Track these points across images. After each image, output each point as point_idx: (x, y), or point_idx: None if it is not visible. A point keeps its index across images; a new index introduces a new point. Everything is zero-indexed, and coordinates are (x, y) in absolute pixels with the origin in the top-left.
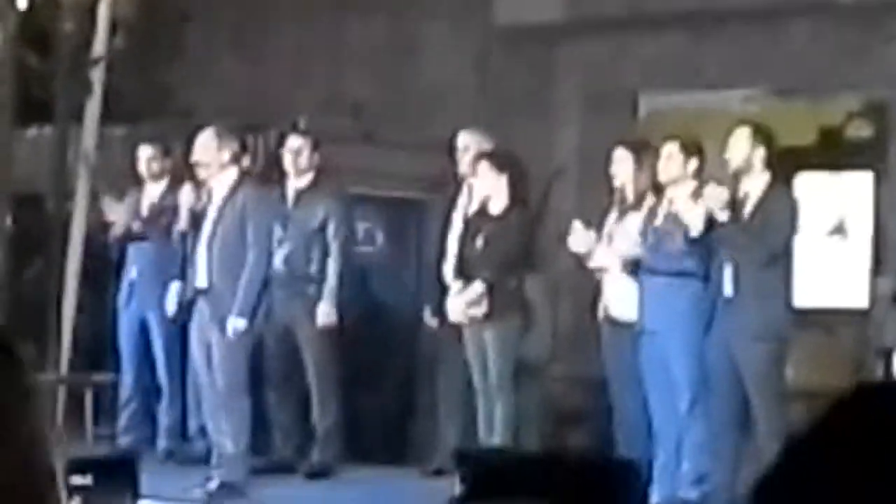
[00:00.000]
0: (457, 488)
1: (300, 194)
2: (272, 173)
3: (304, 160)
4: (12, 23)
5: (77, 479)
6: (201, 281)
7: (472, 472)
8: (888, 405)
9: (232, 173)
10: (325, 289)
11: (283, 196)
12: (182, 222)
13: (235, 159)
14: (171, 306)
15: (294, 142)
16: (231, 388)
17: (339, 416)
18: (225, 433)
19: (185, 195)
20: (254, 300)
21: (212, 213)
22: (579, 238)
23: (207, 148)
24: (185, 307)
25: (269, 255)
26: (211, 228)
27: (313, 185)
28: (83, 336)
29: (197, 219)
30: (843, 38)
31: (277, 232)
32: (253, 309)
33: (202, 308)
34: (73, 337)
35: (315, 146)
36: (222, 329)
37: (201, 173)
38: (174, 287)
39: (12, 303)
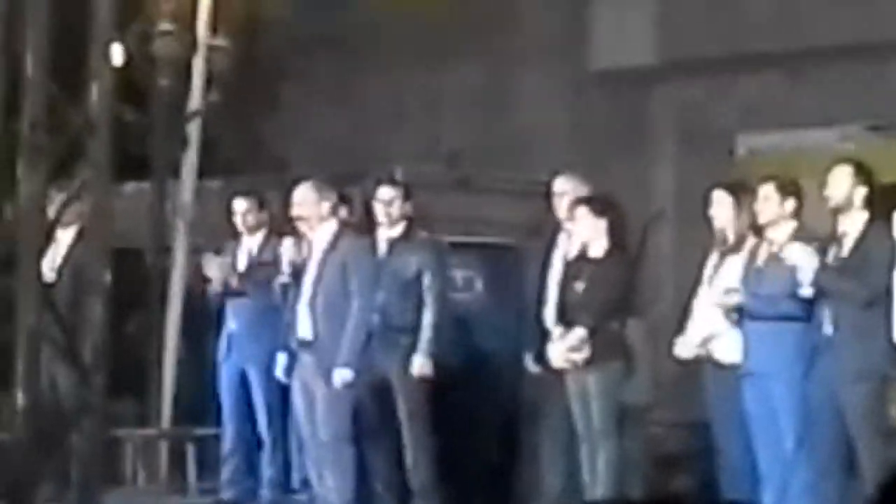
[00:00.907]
0: None
1: (393, 244)
2: (368, 223)
3: (395, 210)
4: (108, 78)
5: None
6: (304, 333)
7: None
8: None
9: (331, 225)
10: (421, 340)
11: (375, 246)
12: (283, 276)
13: (335, 211)
14: (280, 373)
15: (385, 192)
16: (336, 441)
17: (432, 468)
18: (329, 485)
19: (286, 248)
20: (359, 350)
21: (313, 266)
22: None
23: (306, 200)
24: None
25: (372, 306)
26: (313, 281)
27: (405, 234)
28: (184, 390)
29: (298, 272)
30: None
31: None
32: (358, 359)
33: (305, 360)
34: (174, 391)
35: (407, 195)
36: (328, 381)
37: (301, 226)
38: (281, 358)
39: (114, 358)
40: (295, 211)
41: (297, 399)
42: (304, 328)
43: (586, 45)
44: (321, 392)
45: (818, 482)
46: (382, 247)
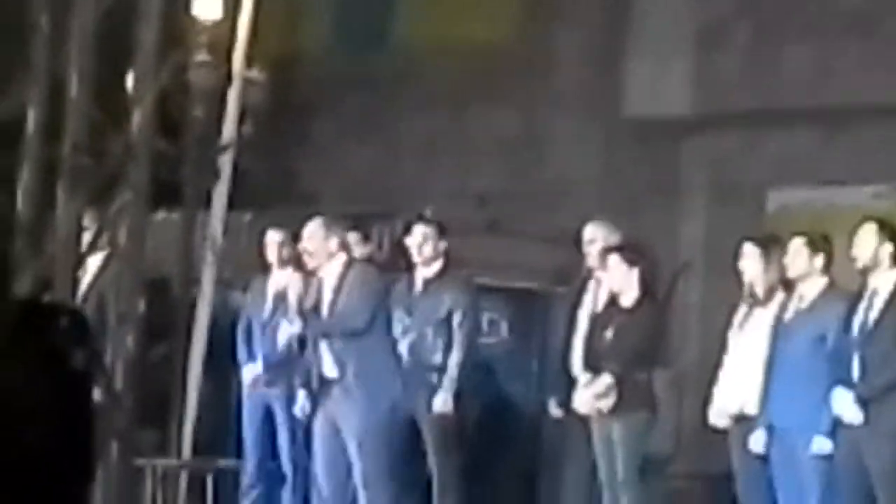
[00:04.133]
0: None
1: (427, 283)
2: (398, 261)
3: (428, 249)
4: (150, 106)
5: None
6: (329, 371)
7: None
8: None
9: (341, 260)
10: (446, 378)
11: (411, 284)
12: (291, 311)
13: (344, 247)
14: (298, 410)
15: (419, 230)
16: (368, 479)
17: None
18: None
19: (293, 283)
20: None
21: (326, 303)
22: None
23: (314, 236)
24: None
25: (394, 343)
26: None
27: (441, 274)
28: (206, 421)
29: (311, 309)
30: None
31: (404, 320)
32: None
33: (335, 395)
34: (196, 422)
35: (441, 234)
36: (361, 418)
37: (308, 261)
38: (301, 395)
39: (137, 386)
40: (302, 244)
41: (319, 437)
42: (328, 366)
43: (620, 92)
44: (354, 428)
45: None
46: (419, 286)
